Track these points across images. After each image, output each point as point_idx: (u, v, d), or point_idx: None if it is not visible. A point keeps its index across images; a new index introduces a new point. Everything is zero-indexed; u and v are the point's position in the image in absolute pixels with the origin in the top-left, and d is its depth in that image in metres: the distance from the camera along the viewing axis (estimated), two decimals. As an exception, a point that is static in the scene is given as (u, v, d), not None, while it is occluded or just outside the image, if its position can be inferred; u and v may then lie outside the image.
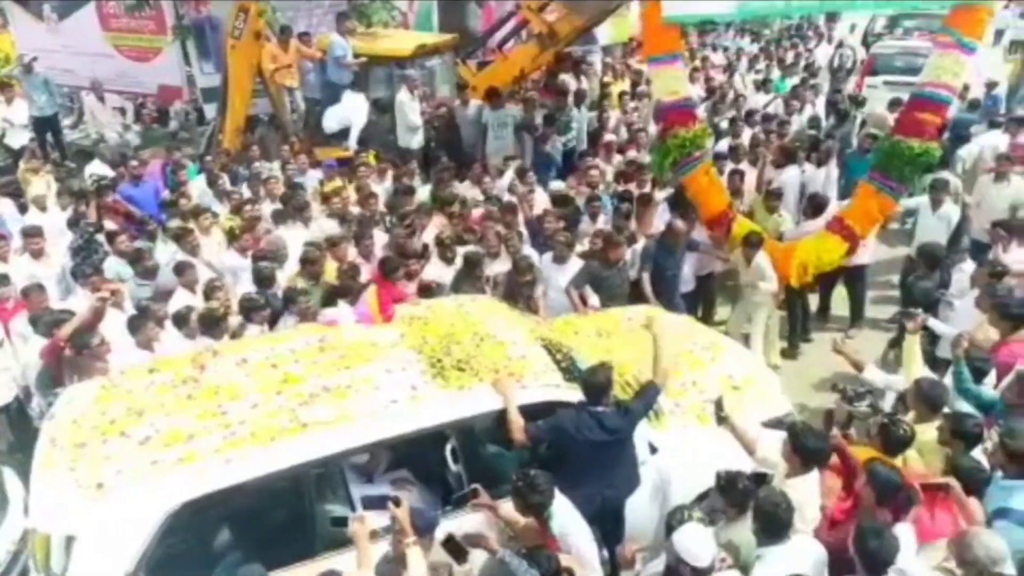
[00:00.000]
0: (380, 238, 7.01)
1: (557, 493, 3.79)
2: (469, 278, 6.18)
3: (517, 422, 4.15)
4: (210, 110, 12.34)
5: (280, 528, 3.91)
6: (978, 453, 4.10)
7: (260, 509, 3.93)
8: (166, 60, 13.22)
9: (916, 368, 4.82)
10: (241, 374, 4.39)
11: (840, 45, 15.12)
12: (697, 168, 7.24)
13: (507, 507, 3.93)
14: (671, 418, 4.90)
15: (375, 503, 3.76)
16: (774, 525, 3.52)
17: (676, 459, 4.65)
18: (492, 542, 3.71)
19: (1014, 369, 4.77)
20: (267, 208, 7.66)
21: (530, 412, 4.21)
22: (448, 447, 4.22)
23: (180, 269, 6.11)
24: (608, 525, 4.30)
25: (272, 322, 5.65)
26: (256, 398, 4.15)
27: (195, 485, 3.66)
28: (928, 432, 4.27)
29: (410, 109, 10.09)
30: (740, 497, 3.71)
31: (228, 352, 4.68)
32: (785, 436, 4.04)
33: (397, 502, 3.44)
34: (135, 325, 5.25)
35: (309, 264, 6.22)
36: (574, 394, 4.47)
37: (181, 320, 5.47)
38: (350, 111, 10.21)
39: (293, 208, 7.36)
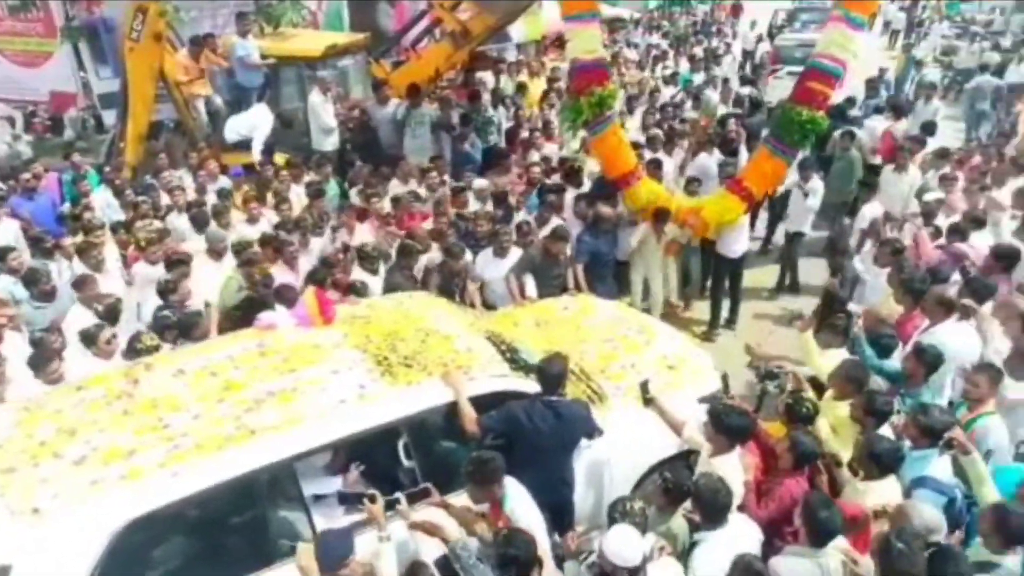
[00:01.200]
0: (318, 243, 6.95)
1: (513, 482, 3.85)
2: (402, 269, 6.16)
3: (468, 414, 4.18)
4: (109, 117, 11.77)
5: (235, 537, 3.80)
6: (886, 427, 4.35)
7: (212, 520, 3.79)
8: (57, 65, 12.55)
9: (816, 359, 5.09)
10: (179, 385, 4.22)
11: (760, 40, 15.83)
12: (608, 128, 7.39)
13: (459, 505, 3.97)
14: (613, 400, 5.03)
15: (344, 500, 3.76)
16: (714, 510, 3.63)
17: (620, 440, 4.77)
18: (448, 532, 3.71)
19: (911, 341, 5.18)
20: (176, 218, 7.41)
21: (481, 403, 4.25)
22: (400, 443, 4.19)
23: (80, 283, 5.80)
24: (557, 516, 4.36)
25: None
26: (198, 408, 4.01)
27: (141, 502, 3.50)
28: (842, 409, 4.55)
29: (324, 111, 9.87)
30: (682, 497, 3.85)
31: (162, 364, 4.49)
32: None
33: (373, 499, 3.44)
34: (37, 364, 4.87)
35: (247, 265, 6.12)
36: (522, 383, 4.55)
37: (89, 339, 5.14)
38: (254, 121, 9.86)
39: (212, 215, 7.15)
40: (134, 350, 4.96)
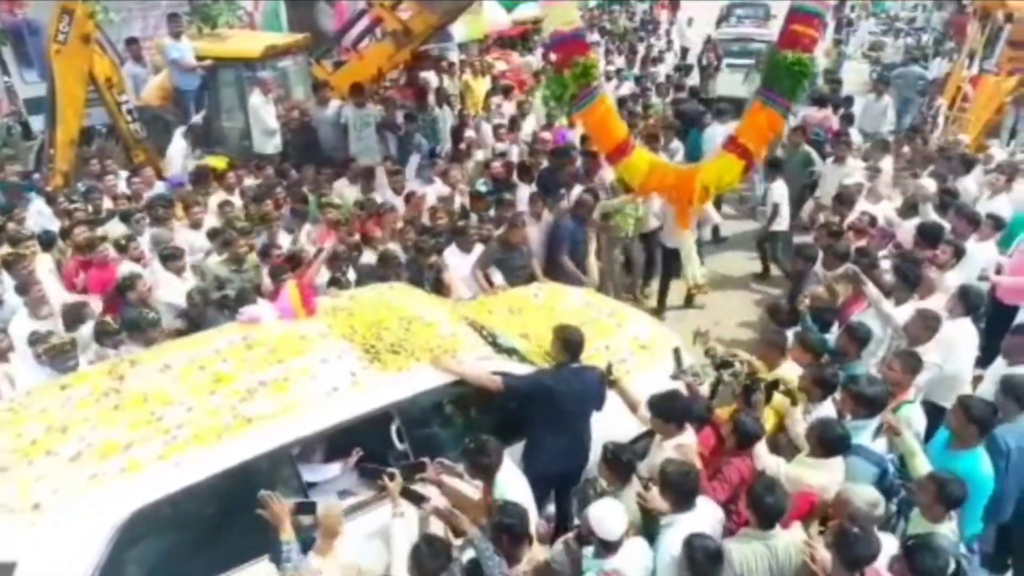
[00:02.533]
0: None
1: (508, 463, 3.97)
2: (379, 278, 6.14)
3: (485, 376, 4.35)
4: (37, 122, 11.28)
5: (237, 526, 3.80)
6: (829, 404, 4.59)
7: (213, 509, 3.80)
8: (-22, 69, 11.95)
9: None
10: (167, 380, 4.21)
11: (708, 40, 16.35)
12: (595, 100, 7.15)
13: (453, 482, 4.08)
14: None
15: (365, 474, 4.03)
16: (684, 494, 3.69)
17: (603, 416, 4.94)
18: (464, 522, 3.67)
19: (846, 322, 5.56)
20: (116, 224, 7.18)
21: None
22: (393, 427, 4.28)
23: (24, 288, 5.65)
24: (572, 482, 4.57)
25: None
26: (190, 401, 4.01)
27: (143, 493, 3.51)
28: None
29: (265, 112, 9.67)
30: (625, 470, 3.94)
31: (146, 360, 4.45)
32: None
33: (392, 476, 3.56)
34: None
35: (227, 247, 6.17)
36: (508, 365, 4.70)
37: (39, 341, 5.02)
38: (171, 154, 9.53)
39: (154, 220, 7.00)
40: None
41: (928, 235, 6.46)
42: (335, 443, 4.34)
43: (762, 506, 3.56)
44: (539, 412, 4.41)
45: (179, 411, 3.93)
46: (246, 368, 4.29)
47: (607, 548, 3.47)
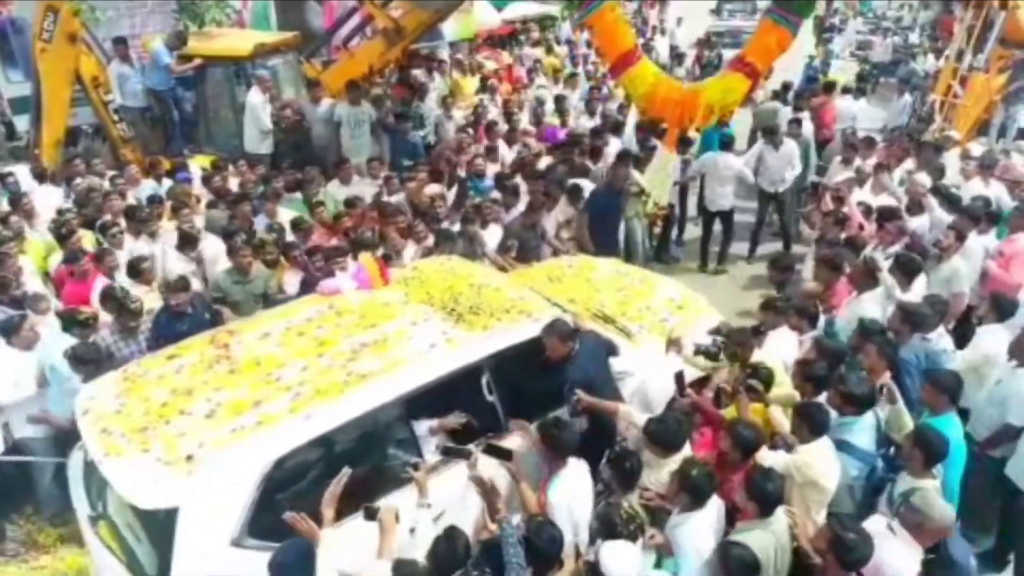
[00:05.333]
0: None
1: (580, 469, 4.08)
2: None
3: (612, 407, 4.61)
4: (21, 122, 11.17)
5: (359, 470, 4.12)
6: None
7: (338, 456, 4.09)
8: (-39, 69, 11.74)
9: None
10: (271, 346, 4.51)
11: (705, 38, 16.93)
12: (603, 5, 7.21)
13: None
14: (640, 337, 5.66)
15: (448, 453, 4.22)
16: (700, 494, 3.73)
17: (652, 368, 5.36)
18: (497, 502, 3.76)
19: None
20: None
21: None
22: (483, 380, 4.64)
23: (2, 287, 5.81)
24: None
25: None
26: (302, 363, 4.31)
27: (282, 442, 3.81)
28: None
29: (263, 112, 9.69)
30: (628, 476, 3.98)
31: (244, 330, 4.74)
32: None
33: (416, 467, 3.77)
34: None
35: (233, 255, 6.25)
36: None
37: (12, 329, 5.20)
38: None
39: (138, 222, 6.98)
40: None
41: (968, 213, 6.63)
42: (433, 399, 4.65)
43: (763, 494, 3.63)
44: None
45: (294, 372, 4.23)
46: (343, 333, 4.60)
47: None
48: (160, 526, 3.57)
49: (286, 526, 3.61)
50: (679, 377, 4.84)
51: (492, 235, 7.23)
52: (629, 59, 7.35)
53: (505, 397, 4.69)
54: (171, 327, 5.44)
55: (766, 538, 3.60)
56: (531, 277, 6.40)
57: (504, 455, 4.12)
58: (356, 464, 4.09)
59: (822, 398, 4.45)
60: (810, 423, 4.15)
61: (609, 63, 7.51)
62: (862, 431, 4.32)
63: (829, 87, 11.62)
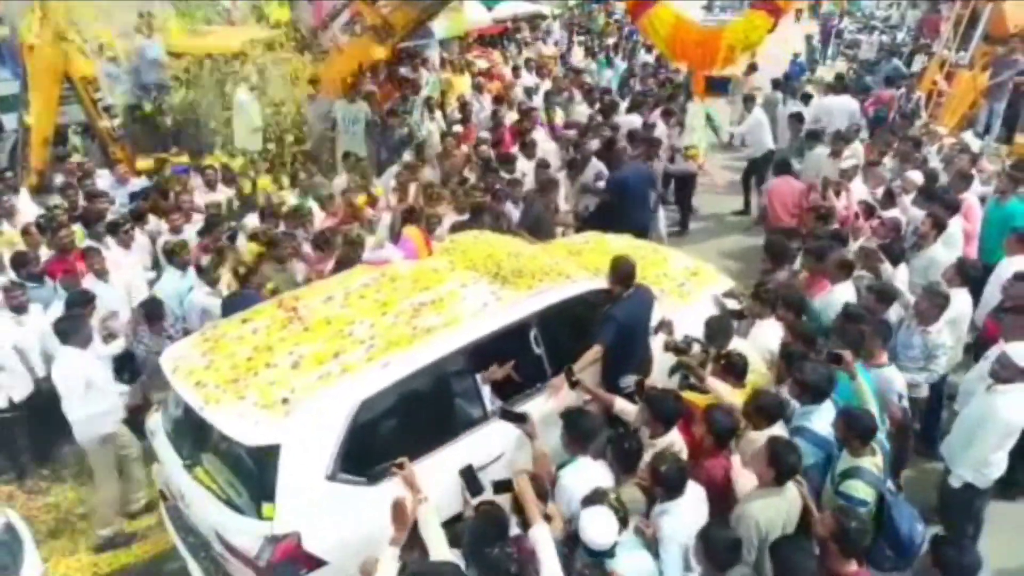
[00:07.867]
0: None
1: (593, 464, 4.12)
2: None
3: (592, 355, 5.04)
4: (9, 121, 11.17)
5: (431, 414, 4.52)
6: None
7: (413, 400, 4.45)
8: (-54, 68, 11.75)
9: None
10: (336, 307, 4.86)
11: None
12: None
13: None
14: (662, 300, 6.11)
15: (507, 416, 4.52)
16: (672, 486, 3.84)
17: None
18: (533, 512, 3.57)
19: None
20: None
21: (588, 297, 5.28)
22: (531, 335, 5.06)
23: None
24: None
25: None
26: (369, 320, 4.68)
27: (365, 387, 4.18)
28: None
29: (252, 109, 9.93)
30: (629, 458, 4.11)
31: (307, 296, 5.10)
32: (641, 404, 4.49)
33: (401, 466, 3.79)
34: None
35: (273, 247, 6.59)
36: (604, 284, 5.53)
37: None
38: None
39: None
40: None
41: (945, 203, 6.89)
42: (488, 352, 4.98)
43: (784, 463, 3.78)
44: (614, 339, 5.12)
45: (364, 328, 4.60)
46: (400, 296, 4.97)
47: (594, 555, 3.45)
48: (264, 462, 3.91)
49: (373, 463, 4.00)
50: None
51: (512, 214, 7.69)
52: (647, 2, 7.30)
53: (550, 349, 5.12)
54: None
55: (776, 504, 3.83)
56: (550, 251, 6.83)
57: (519, 419, 4.37)
58: (427, 408, 4.51)
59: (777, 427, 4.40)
60: (761, 411, 4.30)
61: (629, 5, 7.54)
62: (819, 418, 4.39)
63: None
